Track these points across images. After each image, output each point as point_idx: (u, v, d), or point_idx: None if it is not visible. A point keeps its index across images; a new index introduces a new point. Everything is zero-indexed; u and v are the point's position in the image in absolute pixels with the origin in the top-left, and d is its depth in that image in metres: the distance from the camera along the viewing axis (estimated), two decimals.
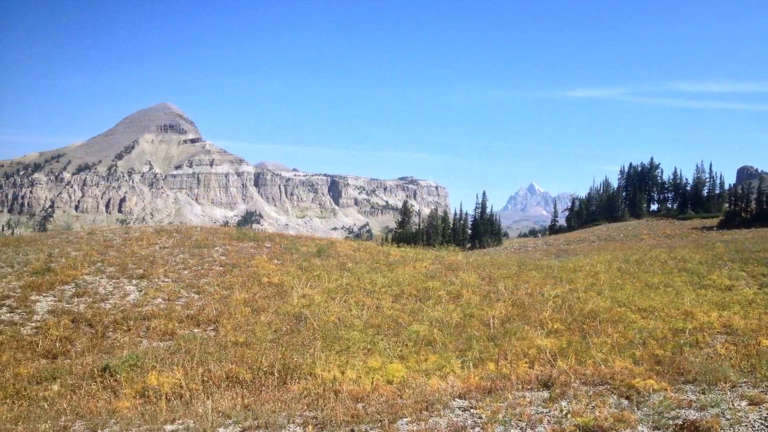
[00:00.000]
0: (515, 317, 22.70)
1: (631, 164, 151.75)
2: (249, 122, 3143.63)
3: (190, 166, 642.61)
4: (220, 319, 21.87)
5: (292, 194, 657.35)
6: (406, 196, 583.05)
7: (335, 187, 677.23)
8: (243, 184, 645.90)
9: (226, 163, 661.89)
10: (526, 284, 29.77)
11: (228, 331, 20.23)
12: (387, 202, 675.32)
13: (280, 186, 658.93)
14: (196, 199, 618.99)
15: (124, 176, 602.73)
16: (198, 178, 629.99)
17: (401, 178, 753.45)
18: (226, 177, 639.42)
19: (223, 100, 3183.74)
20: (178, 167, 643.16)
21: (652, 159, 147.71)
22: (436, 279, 30.67)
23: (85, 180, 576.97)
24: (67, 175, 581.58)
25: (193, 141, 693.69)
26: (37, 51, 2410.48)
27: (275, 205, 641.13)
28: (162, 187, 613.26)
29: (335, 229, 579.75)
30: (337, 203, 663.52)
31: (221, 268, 30.91)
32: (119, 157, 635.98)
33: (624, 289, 29.07)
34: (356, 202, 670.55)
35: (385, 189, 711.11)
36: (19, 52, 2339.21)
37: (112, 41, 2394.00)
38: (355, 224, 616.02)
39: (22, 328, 20.05)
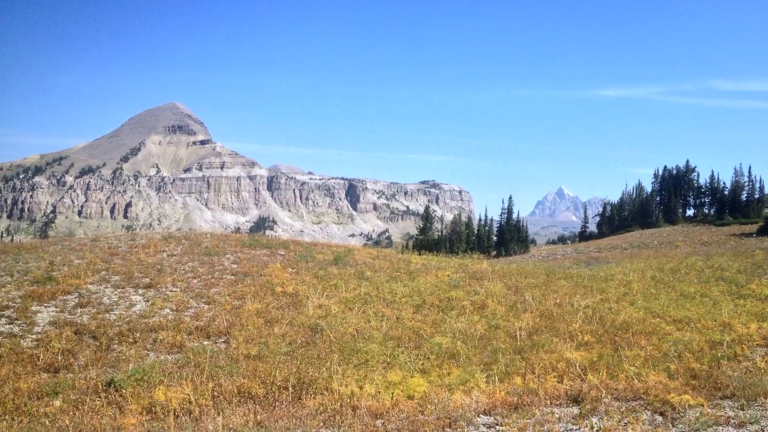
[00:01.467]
0: (543, 329, 22.64)
1: (665, 167, 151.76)
2: (262, 123, 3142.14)
3: (200, 169, 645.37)
4: (231, 331, 21.86)
5: (307, 199, 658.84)
6: (428, 201, 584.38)
7: (353, 192, 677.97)
8: (255, 188, 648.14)
9: (238, 166, 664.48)
10: (554, 294, 29.68)
11: (239, 344, 20.23)
12: (408, 207, 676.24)
13: (294, 190, 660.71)
14: (206, 204, 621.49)
15: (129, 180, 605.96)
16: (208, 181, 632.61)
17: (423, 182, 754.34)
18: (237, 180, 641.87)
19: (235, 100, 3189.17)
20: (186, 170, 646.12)
21: (687, 162, 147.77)
22: (460, 288, 30.63)
23: (88, 184, 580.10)
24: (69, 179, 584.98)
25: (202, 142, 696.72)
26: (38, 47, 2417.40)
27: (289, 211, 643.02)
28: (170, 191, 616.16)
29: (353, 235, 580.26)
30: (354, 208, 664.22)
31: (232, 277, 31.00)
32: (125, 159, 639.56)
33: (658, 299, 28.95)
34: (375, 208, 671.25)
35: (405, 193, 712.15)
36: (19, 48, 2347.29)
37: (117, 37, 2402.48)
38: (373, 230, 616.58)
39: (22, 341, 20.07)
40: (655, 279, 36.25)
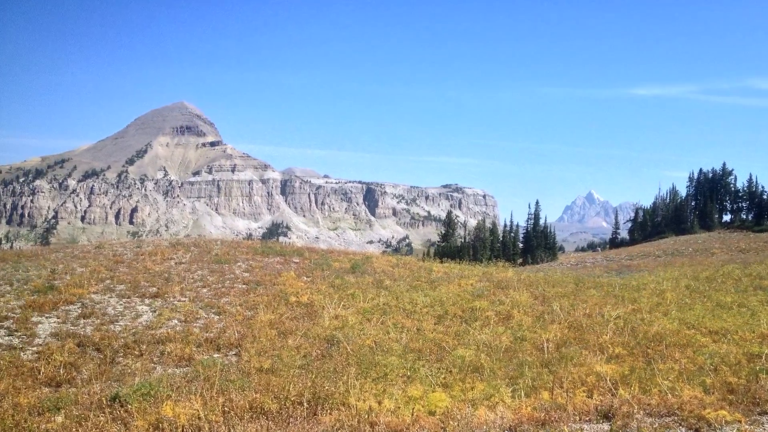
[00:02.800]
0: (572, 341, 22.58)
1: (701, 170, 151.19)
2: (275, 124, 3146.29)
3: (210, 172, 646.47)
4: (242, 343, 21.86)
5: (323, 204, 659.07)
6: (450, 206, 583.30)
7: (371, 196, 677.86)
8: (268, 193, 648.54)
9: (250, 169, 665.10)
10: (584, 304, 29.61)
11: (251, 357, 20.22)
12: (429, 212, 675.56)
13: (309, 194, 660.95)
14: (216, 209, 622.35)
15: (135, 183, 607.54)
16: (218, 185, 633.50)
17: (445, 186, 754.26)
18: (249, 184, 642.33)
19: (246, 99, 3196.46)
20: (196, 173, 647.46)
21: (724, 164, 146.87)
22: (484, 298, 30.58)
23: (92, 188, 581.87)
24: (72, 183, 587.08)
25: (212, 144, 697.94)
26: (39, 44, 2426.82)
27: (304, 216, 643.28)
28: (178, 195, 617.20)
29: (371, 242, 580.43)
30: (373, 214, 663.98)
31: (244, 286, 31.05)
32: (130, 162, 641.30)
33: (693, 309, 28.80)
34: (394, 213, 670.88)
35: (426, 198, 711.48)
36: (19, 45, 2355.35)
37: (122, 33, 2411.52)
38: (393, 237, 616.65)
39: (22, 353, 20.08)
40: (690, 288, 36.12)
